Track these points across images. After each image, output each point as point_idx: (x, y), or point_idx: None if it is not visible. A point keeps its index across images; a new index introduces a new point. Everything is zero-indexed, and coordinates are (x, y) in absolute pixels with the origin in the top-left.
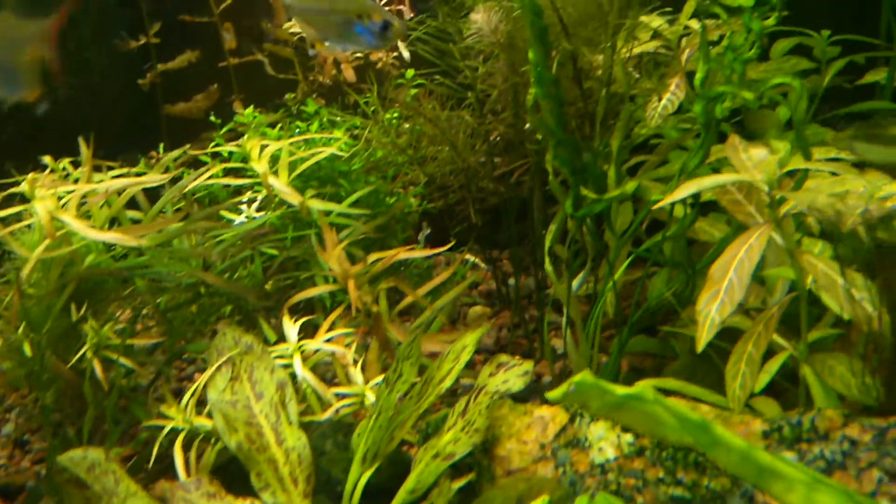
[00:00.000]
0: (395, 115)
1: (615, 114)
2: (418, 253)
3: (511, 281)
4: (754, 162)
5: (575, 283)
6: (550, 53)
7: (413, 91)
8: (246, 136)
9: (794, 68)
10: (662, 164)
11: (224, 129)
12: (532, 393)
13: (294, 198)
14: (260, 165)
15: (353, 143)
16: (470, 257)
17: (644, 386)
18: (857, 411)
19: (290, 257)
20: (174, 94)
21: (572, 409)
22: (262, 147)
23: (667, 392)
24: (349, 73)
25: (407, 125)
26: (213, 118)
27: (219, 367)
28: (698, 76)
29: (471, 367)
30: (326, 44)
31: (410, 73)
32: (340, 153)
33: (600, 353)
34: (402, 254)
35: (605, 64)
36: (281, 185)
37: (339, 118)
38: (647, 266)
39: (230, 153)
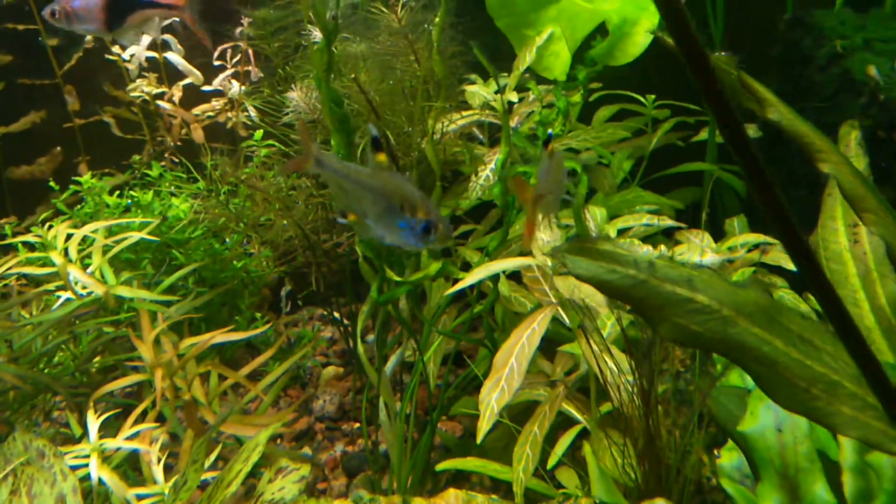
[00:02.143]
0: (236, 182)
1: (431, 190)
2: (234, 335)
3: (370, 337)
4: (543, 245)
5: (388, 366)
6: (353, 139)
7: (265, 151)
8: (45, 226)
9: (611, 137)
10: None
11: (65, 194)
12: (365, 463)
13: (98, 287)
14: (58, 256)
15: (196, 208)
16: (325, 312)
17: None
18: (629, 493)
19: (125, 334)
20: (20, 156)
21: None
22: (69, 235)
23: (469, 472)
24: (198, 134)
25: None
26: (52, 184)
27: (5, 478)
28: (499, 158)
29: (311, 437)
30: (367, 222)
31: (259, 134)
32: (175, 222)
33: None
34: (218, 337)
35: (415, 144)
36: (81, 274)
37: (177, 186)
38: (456, 343)
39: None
